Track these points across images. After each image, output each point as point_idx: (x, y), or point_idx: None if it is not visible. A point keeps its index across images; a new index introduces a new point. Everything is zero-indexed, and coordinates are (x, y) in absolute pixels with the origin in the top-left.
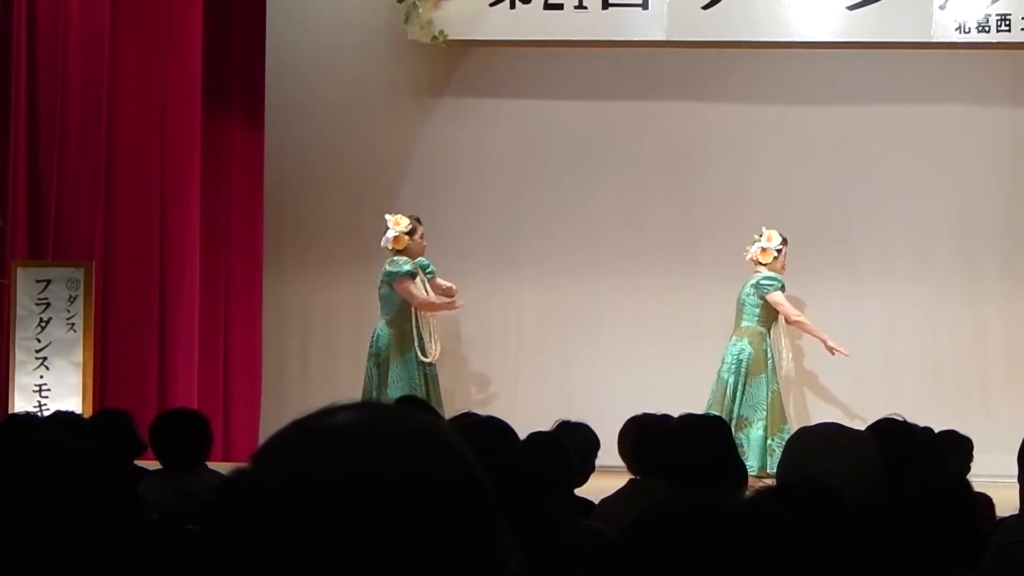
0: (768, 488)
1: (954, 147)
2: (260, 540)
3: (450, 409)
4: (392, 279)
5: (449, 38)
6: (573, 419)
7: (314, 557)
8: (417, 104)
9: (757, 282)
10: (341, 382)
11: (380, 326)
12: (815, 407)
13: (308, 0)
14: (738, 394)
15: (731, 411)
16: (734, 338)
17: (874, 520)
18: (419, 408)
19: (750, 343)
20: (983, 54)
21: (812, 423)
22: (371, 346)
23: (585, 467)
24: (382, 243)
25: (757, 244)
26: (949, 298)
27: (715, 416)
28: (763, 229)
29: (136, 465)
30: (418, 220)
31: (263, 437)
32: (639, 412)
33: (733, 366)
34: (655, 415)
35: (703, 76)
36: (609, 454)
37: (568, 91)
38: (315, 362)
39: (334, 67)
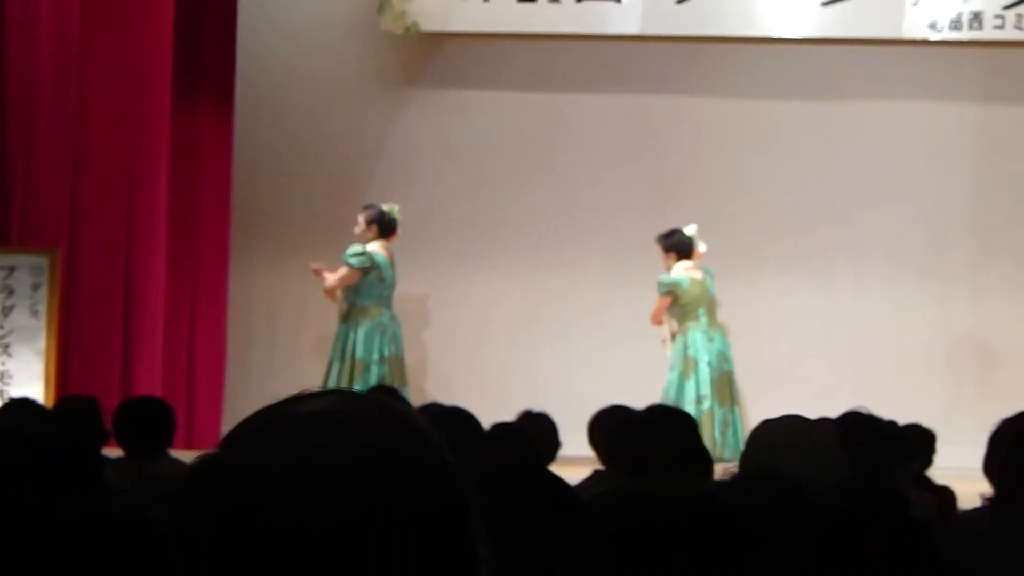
0: (730, 478)
1: (925, 144)
2: (229, 526)
3: (418, 401)
4: None
5: (422, 30)
6: (537, 410)
7: (284, 544)
8: (389, 95)
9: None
10: (307, 372)
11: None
12: (783, 400)
13: None
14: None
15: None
16: (718, 331)
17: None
18: (391, 397)
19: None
20: (955, 51)
21: (777, 415)
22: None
23: (548, 457)
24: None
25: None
26: (918, 293)
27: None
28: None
29: (100, 453)
30: (363, 208)
31: (227, 425)
32: (607, 404)
33: (727, 356)
34: (625, 407)
35: (676, 70)
36: (573, 445)
37: (541, 84)
38: (281, 351)
39: (306, 57)
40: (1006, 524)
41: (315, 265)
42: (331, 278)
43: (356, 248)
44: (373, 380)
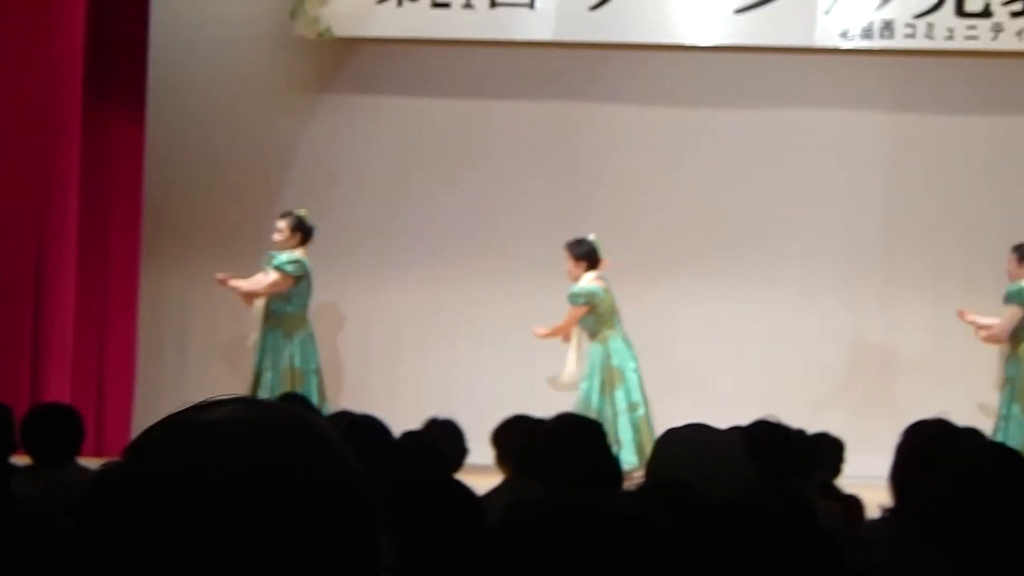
0: (638, 488)
1: (837, 152)
2: (133, 534)
3: (332, 408)
4: None
5: (335, 35)
6: (443, 416)
7: (185, 552)
8: (302, 101)
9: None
10: (218, 379)
11: None
12: (693, 408)
13: None
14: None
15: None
16: (626, 339)
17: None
18: (299, 405)
19: None
20: (866, 60)
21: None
22: None
23: (455, 464)
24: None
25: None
26: (829, 301)
27: (589, 418)
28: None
29: (7, 461)
30: (281, 215)
31: (136, 432)
32: (518, 412)
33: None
34: (528, 416)
35: (590, 77)
36: (483, 452)
37: (455, 90)
38: (191, 358)
39: (218, 62)
40: (904, 534)
41: (220, 275)
42: (262, 283)
43: (291, 255)
44: (313, 390)
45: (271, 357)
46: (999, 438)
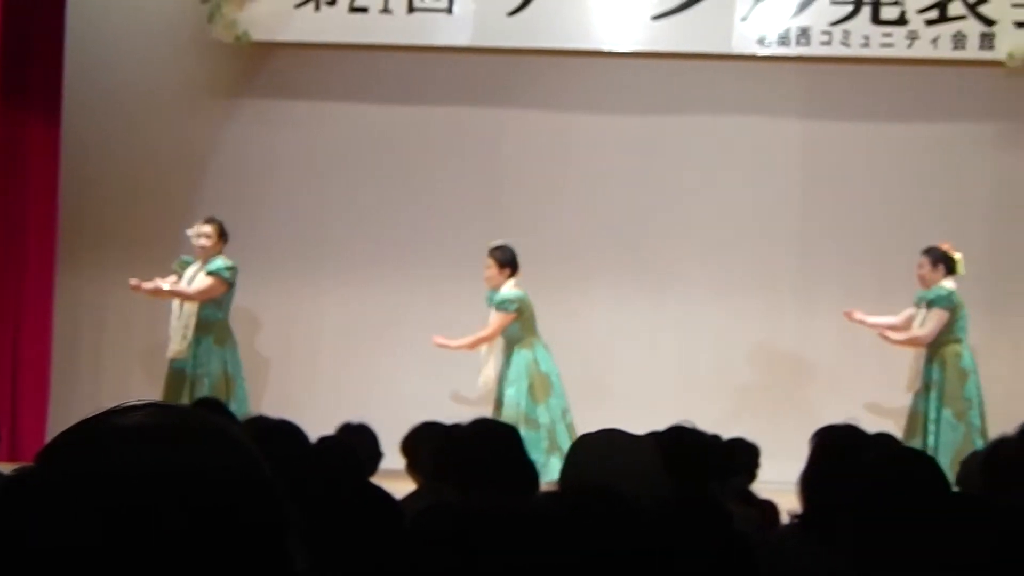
0: (553, 493)
1: (753, 158)
2: (46, 539)
3: (251, 411)
4: None
5: (253, 39)
6: (356, 421)
7: (97, 557)
8: (219, 105)
9: None
10: (134, 383)
11: None
12: (608, 415)
13: None
14: None
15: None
16: (546, 345)
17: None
18: (213, 411)
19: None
20: (783, 67)
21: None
22: None
23: (370, 468)
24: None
25: None
26: (743, 308)
27: (505, 423)
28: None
29: None
30: (206, 220)
31: (51, 437)
32: (434, 418)
33: None
34: (439, 423)
35: (507, 82)
36: (400, 458)
37: (373, 95)
38: (107, 362)
39: (135, 66)
40: (811, 538)
41: (133, 281)
42: (198, 288)
43: (227, 261)
44: (244, 396)
45: (205, 364)
46: (930, 443)
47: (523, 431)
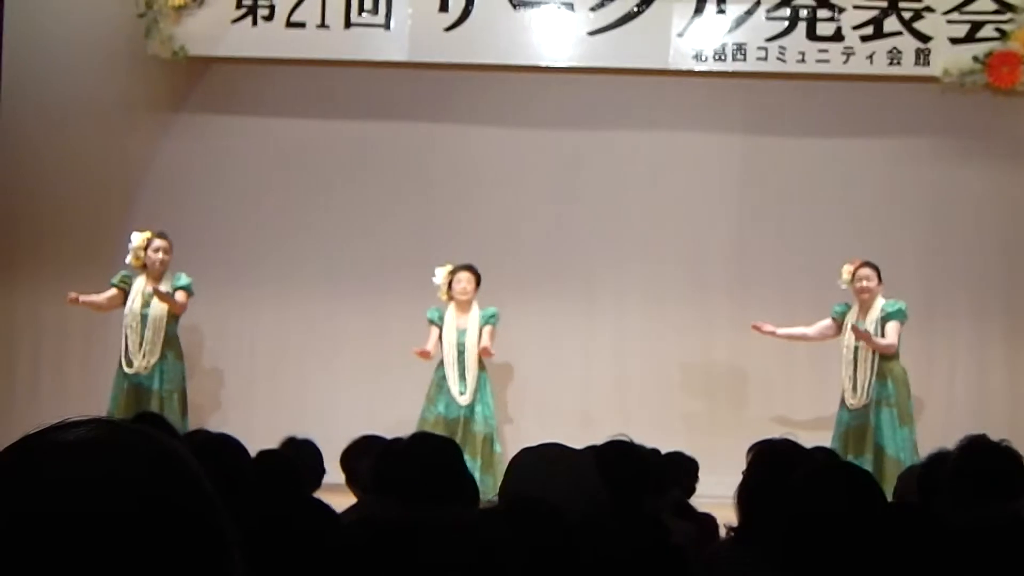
0: (491, 507)
1: (689, 173)
2: None
3: (192, 425)
4: None
5: (190, 54)
6: (301, 436)
7: (39, 570)
8: (155, 120)
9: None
10: (72, 398)
11: None
12: (544, 429)
13: (46, 11)
14: None
15: None
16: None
17: (594, 540)
18: (155, 425)
19: None
20: (720, 82)
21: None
22: None
23: (314, 484)
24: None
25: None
26: (679, 322)
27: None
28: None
29: None
30: (160, 235)
31: None
32: (374, 432)
33: None
34: (378, 436)
35: (445, 98)
36: (339, 472)
37: (310, 110)
38: (45, 376)
39: (72, 80)
40: (748, 552)
41: (72, 294)
42: (180, 302)
43: (188, 277)
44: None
45: (172, 380)
46: (893, 455)
47: (496, 448)
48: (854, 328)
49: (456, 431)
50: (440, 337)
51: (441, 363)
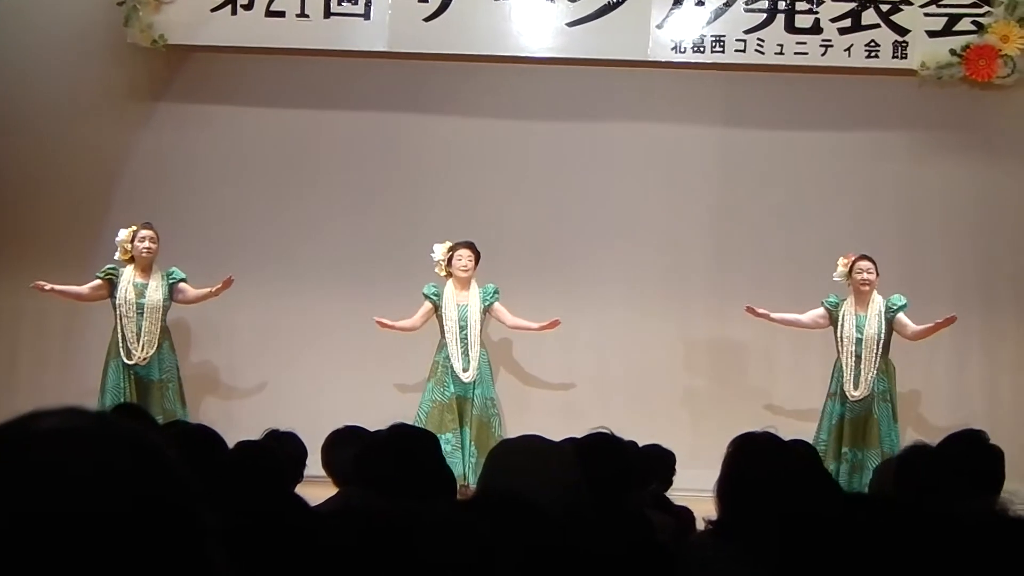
0: (470, 499)
1: (668, 164)
2: None
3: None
4: None
5: (169, 42)
6: (284, 428)
7: (13, 561)
8: (136, 108)
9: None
10: (49, 388)
11: None
12: (526, 421)
13: None
14: None
15: None
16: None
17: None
18: (132, 415)
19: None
20: (698, 74)
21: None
22: None
23: (295, 476)
24: None
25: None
26: (658, 316)
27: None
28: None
29: None
30: (146, 225)
31: None
32: (351, 423)
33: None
34: (359, 427)
35: (425, 88)
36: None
37: (289, 99)
38: (23, 367)
39: (51, 68)
40: (727, 545)
41: (37, 282)
42: (194, 290)
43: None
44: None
45: (168, 370)
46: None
47: (495, 432)
48: (945, 322)
49: (465, 410)
50: (439, 314)
51: (442, 345)
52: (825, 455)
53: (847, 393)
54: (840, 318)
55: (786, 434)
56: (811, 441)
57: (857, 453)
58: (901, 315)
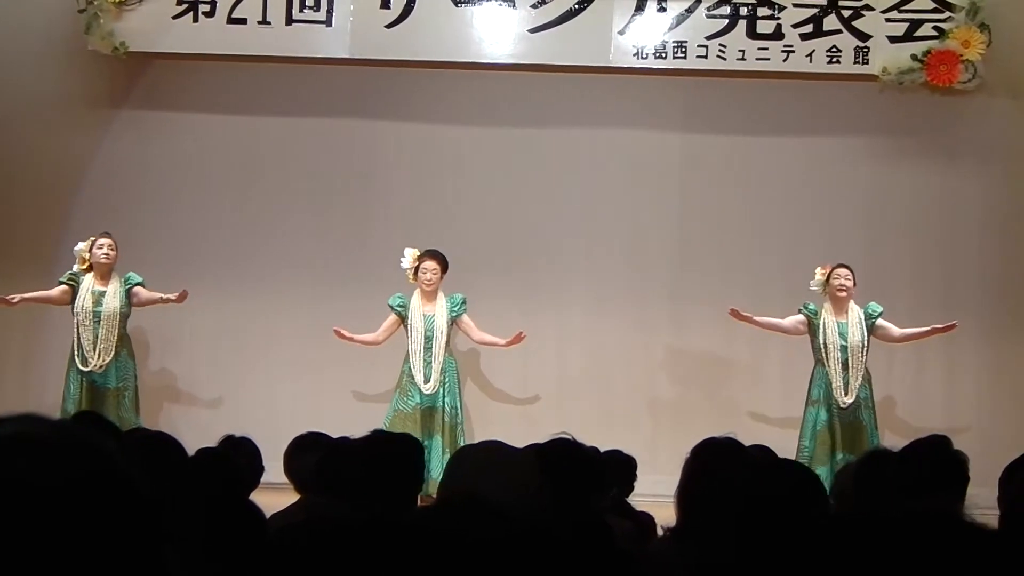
0: (431, 504)
1: (630, 170)
2: None
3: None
4: None
5: (131, 50)
6: (239, 434)
7: None
8: (96, 116)
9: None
10: (9, 394)
11: None
12: (487, 428)
13: None
14: None
15: None
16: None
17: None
18: (92, 423)
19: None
20: (660, 79)
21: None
22: None
23: (252, 482)
24: None
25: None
26: (620, 321)
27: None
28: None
29: None
30: (104, 234)
31: None
32: (312, 430)
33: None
34: (323, 434)
35: (386, 95)
36: (278, 471)
37: (252, 106)
38: None
39: (9, 75)
40: (687, 551)
41: (3, 298)
42: (149, 293)
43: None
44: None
45: (124, 378)
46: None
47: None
48: (944, 328)
49: (431, 420)
50: (405, 325)
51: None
52: (810, 461)
53: (839, 401)
54: (820, 325)
55: (747, 439)
56: (795, 449)
57: (850, 459)
58: (881, 320)
